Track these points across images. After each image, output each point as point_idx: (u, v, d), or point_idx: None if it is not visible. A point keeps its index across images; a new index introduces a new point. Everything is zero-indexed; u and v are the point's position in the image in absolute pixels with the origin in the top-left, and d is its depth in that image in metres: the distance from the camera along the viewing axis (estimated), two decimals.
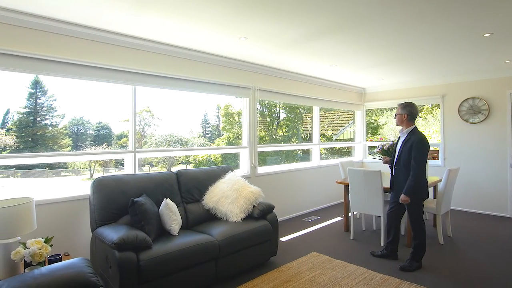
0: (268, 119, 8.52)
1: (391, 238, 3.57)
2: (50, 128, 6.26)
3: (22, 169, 5.78)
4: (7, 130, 5.66)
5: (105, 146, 6.75)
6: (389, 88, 6.81)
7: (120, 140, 6.87)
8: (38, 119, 6.08)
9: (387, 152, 3.90)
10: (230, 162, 6.90)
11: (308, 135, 7.35)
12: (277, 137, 8.66)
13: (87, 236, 3.05)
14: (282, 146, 7.06)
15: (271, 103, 8.25)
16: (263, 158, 6.81)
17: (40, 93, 6.03)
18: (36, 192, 2.96)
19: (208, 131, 8.85)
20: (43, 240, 2.11)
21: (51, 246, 2.14)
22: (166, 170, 6.08)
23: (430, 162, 6.06)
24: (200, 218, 3.38)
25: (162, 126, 7.91)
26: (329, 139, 8.16)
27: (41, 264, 2.04)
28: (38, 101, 6.01)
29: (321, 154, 6.38)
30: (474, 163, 5.64)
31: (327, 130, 8.26)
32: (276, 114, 8.78)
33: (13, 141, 5.62)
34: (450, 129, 5.93)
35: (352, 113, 7.52)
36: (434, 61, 4.65)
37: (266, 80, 5.00)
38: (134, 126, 3.55)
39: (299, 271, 3.23)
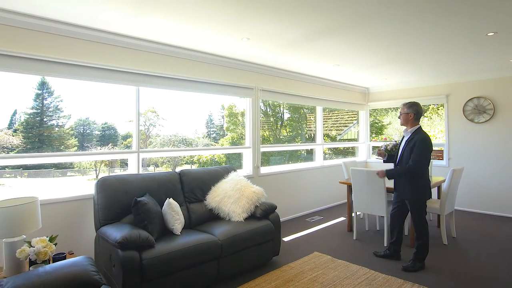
0: (272, 119, 8.53)
1: (394, 239, 3.56)
2: (57, 129, 6.33)
3: (29, 169, 5.87)
4: (15, 131, 5.74)
5: (110, 147, 6.81)
6: (393, 88, 6.78)
7: (126, 141, 6.92)
8: (45, 119, 6.15)
9: (390, 152, 3.88)
10: (234, 162, 6.92)
11: (312, 135, 7.34)
12: (281, 137, 8.66)
13: (91, 235, 3.10)
14: (285, 146, 7.07)
15: (275, 103, 8.26)
16: (267, 158, 6.83)
17: (47, 94, 6.11)
18: (43, 192, 3.01)
19: (212, 131, 8.88)
20: (48, 238, 2.16)
21: (55, 244, 2.19)
22: (170, 170, 6.13)
23: (434, 162, 6.03)
24: (202, 218, 3.41)
25: (167, 126, 7.95)
26: (333, 139, 8.15)
27: (46, 262, 2.09)
28: (45, 102, 6.10)
29: (325, 154, 6.38)
30: (479, 163, 5.59)
31: (331, 130, 8.24)
32: (280, 114, 8.78)
33: (20, 141, 5.70)
34: (454, 129, 5.89)
35: (356, 113, 7.50)
36: (438, 60, 4.62)
37: (268, 80, 5.01)
38: (137, 126, 3.59)
39: (301, 271, 3.24)
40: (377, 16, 2.90)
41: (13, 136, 5.60)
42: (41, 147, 6.00)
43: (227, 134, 8.43)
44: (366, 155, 7.26)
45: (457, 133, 5.85)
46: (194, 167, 7.89)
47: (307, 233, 4.56)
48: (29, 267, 2.11)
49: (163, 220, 2.97)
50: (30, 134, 5.95)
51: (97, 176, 6.86)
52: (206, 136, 8.69)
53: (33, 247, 2.05)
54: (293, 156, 7.74)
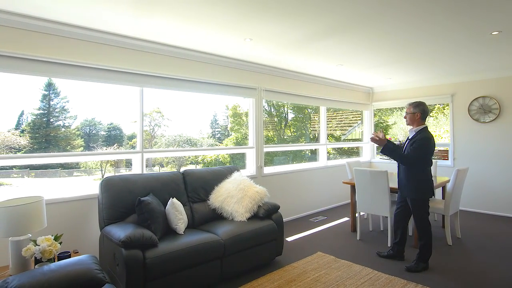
0: (276, 119, 8.54)
1: (397, 239, 3.55)
2: (63, 129, 6.40)
3: (36, 169, 5.95)
4: (22, 131, 5.82)
5: (116, 147, 6.87)
6: (397, 88, 6.74)
7: (131, 141, 6.98)
8: (51, 120, 6.23)
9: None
10: (238, 162, 6.94)
11: (316, 135, 7.33)
12: (285, 137, 8.66)
13: (96, 234, 3.14)
14: (288, 146, 7.07)
15: (279, 103, 8.26)
16: (271, 158, 6.83)
17: (53, 95, 6.19)
18: (49, 191, 3.05)
19: (217, 131, 8.91)
20: (53, 237, 2.19)
21: (60, 243, 2.22)
22: (175, 170, 6.17)
23: (439, 162, 5.99)
24: (206, 218, 3.43)
25: (172, 126, 8.00)
26: (338, 139, 8.13)
27: (51, 260, 2.12)
28: (51, 102, 6.18)
29: (330, 154, 6.36)
30: (485, 163, 5.54)
31: (336, 130, 8.22)
32: (284, 115, 8.78)
33: (27, 142, 5.79)
34: (460, 128, 5.84)
35: (360, 113, 7.48)
36: (442, 60, 4.59)
37: (272, 81, 5.02)
38: (141, 127, 3.63)
39: (304, 271, 3.25)
40: (378, 16, 2.90)
41: (20, 136, 5.68)
42: (47, 147, 6.08)
43: (231, 135, 8.45)
44: (370, 155, 7.23)
45: (462, 133, 5.80)
46: (199, 167, 7.93)
47: (311, 233, 4.56)
48: (35, 265, 2.15)
49: (167, 219, 3.00)
50: (37, 135, 6.03)
51: (102, 176, 6.92)
52: (211, 137, 8.72)
53: (38, 245, 2.08)
54: (297, 156, 7.73)
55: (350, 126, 8.24)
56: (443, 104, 7.35)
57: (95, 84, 3.29)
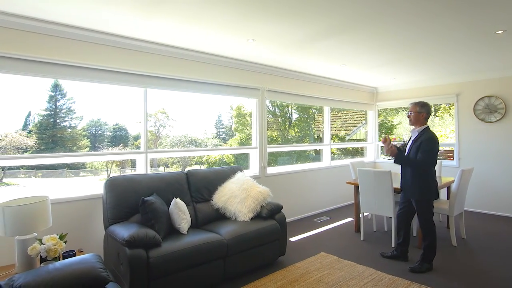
0: (280, 119, 8.54)
1: (401, 239, 3.54)
2: (69, 130, 6.48)
3: (42, 169, 6.03)
4: (29, 132, 5.90)
5: (121, 147, 6.93)
6: (402, 87, 6.71)
7: (137, 141, 7.03)
8: (58, 121, 6.31)
9: (399, 149, 3.85)
10: (242, 163, 6.96)
11: (320, 135, 7.32)
12: (289, 137, 8.66)
13: (101, 234, 3.17)
14: (292, 146, 7.07)
15: (283, 103, 8.26)
16: (275, 159, 6.84)
17: (60, 96, 6.27)
18: (56, 191, 3.10)
19: (222, 132, 8.94)
20: (58, 236, 2.22)
21: (65, 242, 2.25)
22: (179, 171, 6.20)
23: (444, 162, 5.94)
24: (209, 217, 3.45)
25: (177, 127, 8.05)
26: (342, 139, 8.11)
27: (56, 259, 2.15)
28: (58, 103, 6.26)
29: (334, 154, 6.35)
30: (490, 163, 5.49)
31: (340, 130, 8.20)
32: (289, 115, 8.78)
33: (34, 142, 5.86)
34: (465, 128, 5.79)
35: (364, 113, 7.45)
36: (446, 59, 4.56)
37: (275, 81, 5.03)
38: (145, 127, 3.66)
39: (307, 271, 3.25)
40: (379, 16, 2.90)
41: (27, 137, 5.76)
42: (54, 147, 6.16)
43: (235, 135, 8.48)
44: (375, 156, 7.20)
45: (468, 133, 5.75)
46: (204, 167, 7.97)
47: (314, 233, 4.55)
48: (40, 263, 2.19)
49: (170, 219, 3.02)
50: (43, 135, 6.11)
51: (108, 176, 6.97)
52: (216, 137, 8.76)
53: (44, 244, 2.11)
54: (301, 157, 7.73)
55: (355, 126, 8.22)
56: (449, 104, 7.29)
57: (100, 85, 3.34)
